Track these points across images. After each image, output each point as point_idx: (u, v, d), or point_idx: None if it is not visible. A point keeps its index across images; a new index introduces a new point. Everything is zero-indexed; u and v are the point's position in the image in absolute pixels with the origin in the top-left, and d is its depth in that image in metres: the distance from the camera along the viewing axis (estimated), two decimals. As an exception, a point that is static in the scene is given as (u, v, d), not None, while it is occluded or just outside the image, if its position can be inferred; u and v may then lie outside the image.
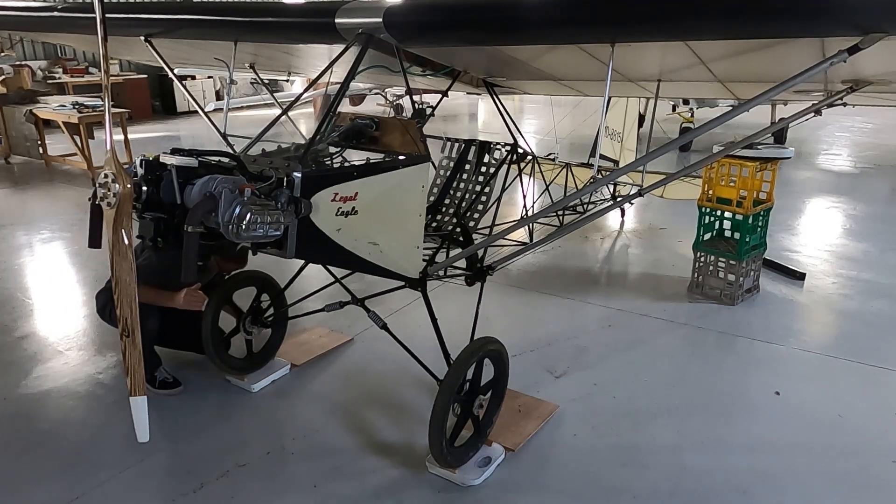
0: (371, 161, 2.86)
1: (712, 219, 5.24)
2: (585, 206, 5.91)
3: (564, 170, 5.89)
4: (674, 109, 12.62)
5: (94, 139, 9.40)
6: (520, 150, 4.08)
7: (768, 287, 5.33)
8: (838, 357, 4.22)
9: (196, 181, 2.24)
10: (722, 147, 3.96)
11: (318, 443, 3.36)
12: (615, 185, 6.68)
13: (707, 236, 5.26)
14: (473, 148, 4.04)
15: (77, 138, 9.20)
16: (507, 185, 4.00)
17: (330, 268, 3.49)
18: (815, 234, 6.88)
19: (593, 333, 4.58)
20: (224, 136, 3.86)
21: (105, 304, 3.78)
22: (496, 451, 3.22)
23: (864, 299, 5.15)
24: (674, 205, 7.09)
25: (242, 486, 3.04)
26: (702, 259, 5.21)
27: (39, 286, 5.52)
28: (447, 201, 4.01)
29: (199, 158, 2.32)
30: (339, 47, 2.96)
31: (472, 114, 16.90)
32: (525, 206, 4.52)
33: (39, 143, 10.13)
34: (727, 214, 5.15)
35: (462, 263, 3.62)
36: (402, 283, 3.21)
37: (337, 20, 2.83)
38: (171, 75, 4.30)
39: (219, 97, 15.74)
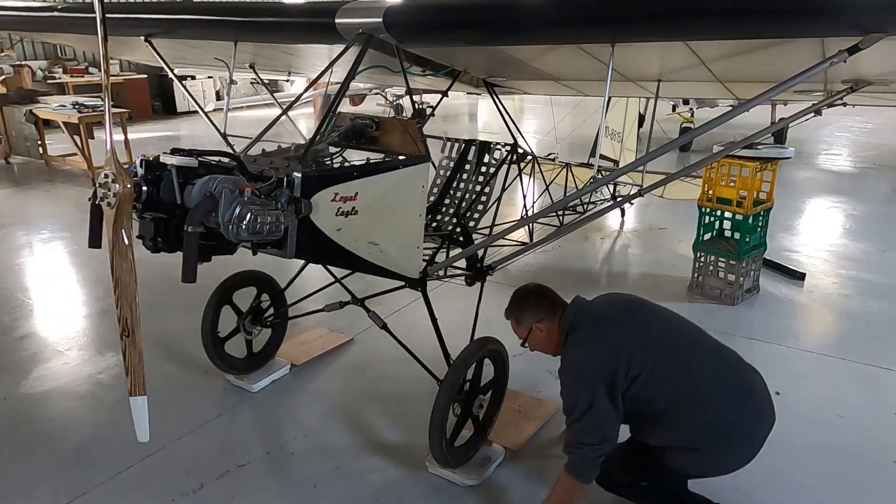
0: (371, 161, 2.86)
1: (712, 219, 5.24)
2: (585, 206, 5.91)
3: (564, 170, 5.90)
4: (674, 109, 12.61)
5: (94, 139, 9.40)
6: (520, 150, 4.08)
7: (768, 287, 5.33)
8: (838, 357, 4.22)
9: (196, 181, 2.24)
10: (722, 147, 3.96)
11: (318, 443, 3.36)
12: (615, 185, 6.68)
13: (707, 236, 5.25)
14: (473, 148, 4.04)
15: (77, 138, 9.20)
16: (507, 185, 4.00)
17: (330, 268, 3.50)
18: (815, 234, 6.88)
19: (593, 333, 4.56)
20: (224, 136, 3.86)
21: None
22: (496, 451, 3.22)
23: (864, 299, 5.15)
24: (674, 205, 7.09)
25: (242, 486, 3.04)
26: (702, 259, 5.20)
27: (39, 286, 5.52)
28: (447, 201, 4.01)
29: (199, 158, 2.32)
30: (339, 47, 2.96)
31: (472, 114, 16.90)
32: (525, 206, 4.52)
33: (39, 143, 10.14)
34: (727, 214, 5.15)
35: (462, 263, 3.62)
36: (402, 283, 3.21)
37: (337, 20, 2.83)
38: (171, 75, 4.30)
39: (219, 97, 15.73)
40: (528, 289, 2.80)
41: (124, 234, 2.13)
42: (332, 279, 3.74)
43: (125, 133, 9.55)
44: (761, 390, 2.55)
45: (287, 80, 13.13)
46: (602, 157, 6.67)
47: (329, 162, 3.16)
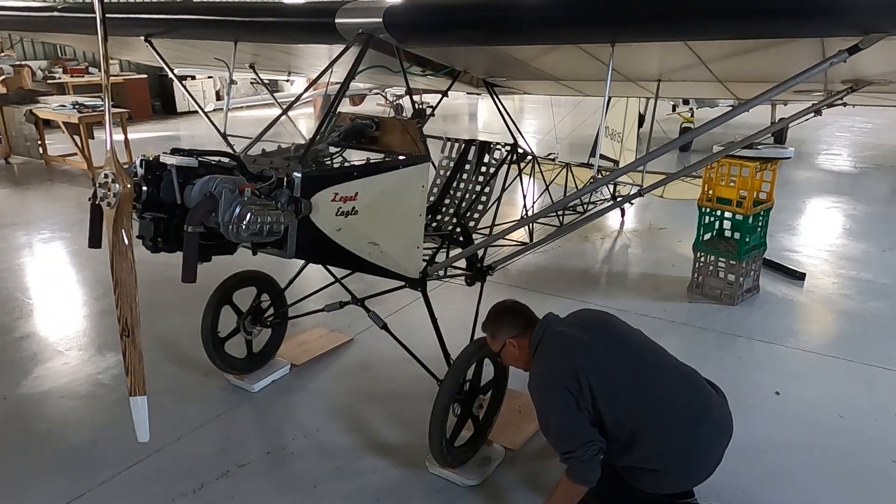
0: (371, 161, 2.86)
1: (712, 219, 5.24)
2: (585, 206, 5.91)
3: (564, 170, 5.90)
4: (674, 109, 12.62)
5: (94, 139, 9.40)
6: (520, 150, 4.08)
7: (768, 287, 5.33)
8: (838, 357, 4.22)
9: (196, 181, 2.24)
10: (722, 147, 3.96)
11: (318, 443, 3.36)
12: (615, 185, 6.68)
13: (707, 236, 5.25)
14: (473, 148, 4.04)
15: (77, 138, 9.21)
16: (507, 185, 4.00)
17: (330, 268, 3.50)
18: (815, 234, 6.88)
19: (593, 333, 4.56)
20: (224, 136, 3.86)
21: None
22: (496, 451, 3.22)
23: (864, 299, 5.15)
24: (674, 205, 7.09)
25: (242, 486, 3.04)
26: (702, 259, 5.20)
27: (39, 286, 5.52)
28: (447, 201, 4.01)
29: (199, 158, 2.32)
30: (339, 47, 2.96)
31: (472, 114, 16.90)
32: (525, 206, 4.52)
33: (39, 143, 10.14)
34: (727, 214, 5.15)
35: (462, 263, 3.62)
36: (402, 283, 3.21)
37: (337, 20, 2.83)
38: (171, 75, 4.30)
39: (219, 97, 15.74)
40: (504, 305, 2.88)
41: (124, 234, 2.13)
42: (332, 279, 3.74)
43: (125, 133, 9.55)
44: (719, 408, 2.62)
45: (287, 80, 13.13)
46: (602, 157, 6.68)
47: (329, 162, 3.16)
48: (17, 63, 13.65)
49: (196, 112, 9.80)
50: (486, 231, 3.90)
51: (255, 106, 13.76)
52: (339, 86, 3.09)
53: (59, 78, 14.42)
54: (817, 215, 7.73)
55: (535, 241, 4.00)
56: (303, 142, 2.94)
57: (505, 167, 3.99)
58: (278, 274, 4.02)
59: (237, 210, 2.17)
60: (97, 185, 2.14)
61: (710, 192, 5.12)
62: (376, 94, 14.80)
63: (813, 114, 3.46)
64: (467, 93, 8.08)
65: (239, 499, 2.96)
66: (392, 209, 2.87)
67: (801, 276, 5.52)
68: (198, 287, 2.43)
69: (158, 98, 16.06)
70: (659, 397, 2.52)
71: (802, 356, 4.27)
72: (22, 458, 3.25)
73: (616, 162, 6.98)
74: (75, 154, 9.53)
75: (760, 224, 5.11)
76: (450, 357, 3.16)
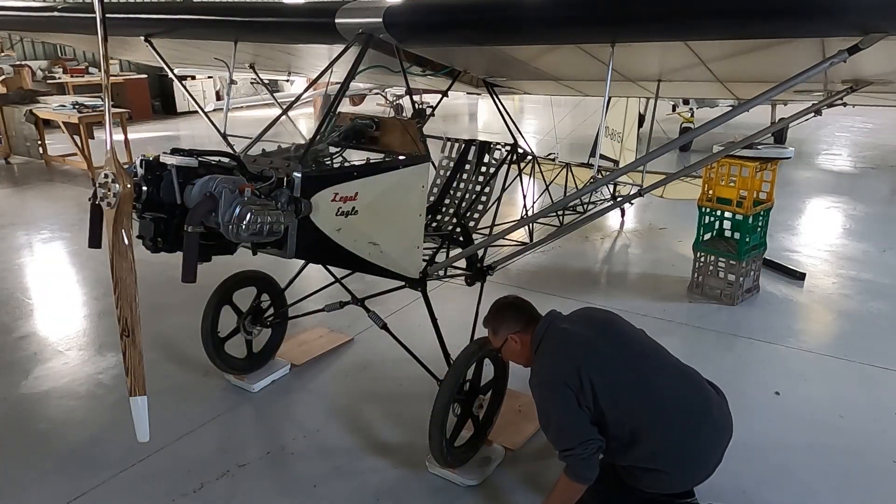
0: (371, 161, 2.86)
1: (712, 219, 5.24)
2: (585, 206, 5.91)
3: (564, 170, 5.90)
4: (674, 109, 12.62)
5: (94, 139, 9.40)
6: (520, 150, 4.08)
7: (768, 287, 5.33)
8: (838, 357, 4.22)
9: (196, 181, 2.24)
10: (722, 147, 3.96)
11: (318, 443, 3.36)
12: (615, 185, 6.68)
13: (707, 236, 5.25)
14: (473, 148, 4.04)
15: (77, 138, 9.21)
16: (507, 185, 4.00)
17: (330, 268, 3.50)
18: (815, 234, 6.88)
19: (593, 333, 4.56)
20: (224, 136, 3.86)
21: None
22: (496, 451, 3.22)
23: (864, 299, 5.15)
24: (674, 205, 7.09)
25: (242, 486, 3.04)
26: (702, 259, 5.21)
27: (39, 286, 5.53)
28: (447, 201, 4.01)
29: (199, 158, 2.32)
30: (339, 47, 2.96)
31: (472, 114, 16.90)
32: (525, 206, 4.52)
33: (39, 143, 10.14)
34: (727, 214, 5.15)
35: (462, 263, 3.62)
36: (402, 283, 3.21)
37: (337, 20, 2.83)
38: (171, 75, 4.30)
39: (219, 97, 15.73)
40: (507, 300, 2.88)
41: (124, 234, 2.13)
42: (332, 279, 3.74)
43: (125, 133, 9.55)
44: (719, 408, 2.63)
45: (287, 80, 13.14)
46: (602, 157, 6.67)
47: (329, 162, 3.16)
48: (17, 63, 13.65)
49: (196, 112, 9.80)
50: (486, 231, 3.90)
51: (255, 106, 13.76)
52: (339, 86, 3.09)
53: (59, 78, 14.42)
54: (817, 215, 7.73)
55: (535, 241, 4.00)
56: (303, 142, 2.94)
57: (505, 167, 3.99)
58: (278, 274, 4.02)
59: (237, 210, 2.17)
60: (97, 185, 2.14)
61: (710, 192, 5.12)
62: (376, 94, 14.80)
63: (813, 114, 3.46)
64: (467, 93, 8.08)
65: (239, 499, 2.96)
66: (392, 209, 2.87)
67: (801, 276, 5.52)
68: (198, 287, 2.43)
69: (158, 98, 16.06)
70: (659, 397, 2.52)
71: (802, 356, 4.27)
72: (22, 458, 3.25)
73: (616, 162, 6.98)
74: (75, 154, 9.53)
75: (760, 224, 5.11)
76: (450, 357, 3.16)
